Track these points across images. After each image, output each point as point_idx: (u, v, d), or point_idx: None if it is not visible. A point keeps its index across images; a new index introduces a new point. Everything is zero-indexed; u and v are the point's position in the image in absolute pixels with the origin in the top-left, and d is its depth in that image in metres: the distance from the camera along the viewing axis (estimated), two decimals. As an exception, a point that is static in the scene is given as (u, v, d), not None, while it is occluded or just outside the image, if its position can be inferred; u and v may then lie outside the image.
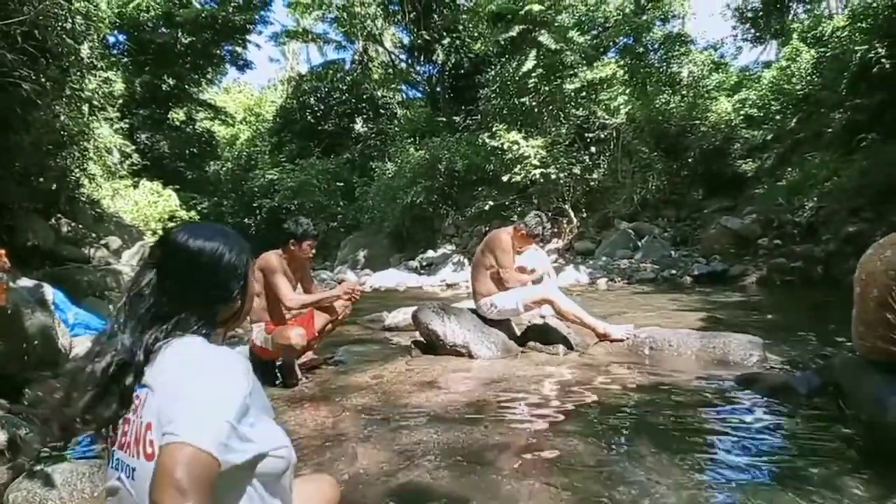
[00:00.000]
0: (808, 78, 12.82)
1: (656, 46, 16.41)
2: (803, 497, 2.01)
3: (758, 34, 20.32)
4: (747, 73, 16.82)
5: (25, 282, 3.60)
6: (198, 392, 0.99)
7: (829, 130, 11.54)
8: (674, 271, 10.90)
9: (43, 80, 5.93)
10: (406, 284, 13.04)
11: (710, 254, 11.42)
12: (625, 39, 16.85)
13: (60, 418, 1.10)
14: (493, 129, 15.34)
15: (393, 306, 6.91)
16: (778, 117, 13.70)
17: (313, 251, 4.08)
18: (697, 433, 2.74)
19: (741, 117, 14.20)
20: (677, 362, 4.09)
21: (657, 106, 14.81)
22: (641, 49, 16.37)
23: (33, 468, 2.16)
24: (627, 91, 14.75)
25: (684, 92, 15.35)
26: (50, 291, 3.80)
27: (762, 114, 14.06)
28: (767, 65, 17.11)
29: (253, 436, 1.02)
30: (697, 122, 14.43)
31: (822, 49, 12.59)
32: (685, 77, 15.78)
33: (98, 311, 4.96)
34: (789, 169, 12.17)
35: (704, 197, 14.10)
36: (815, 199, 10.32)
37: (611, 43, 16.92)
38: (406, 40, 25.00)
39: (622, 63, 15.61)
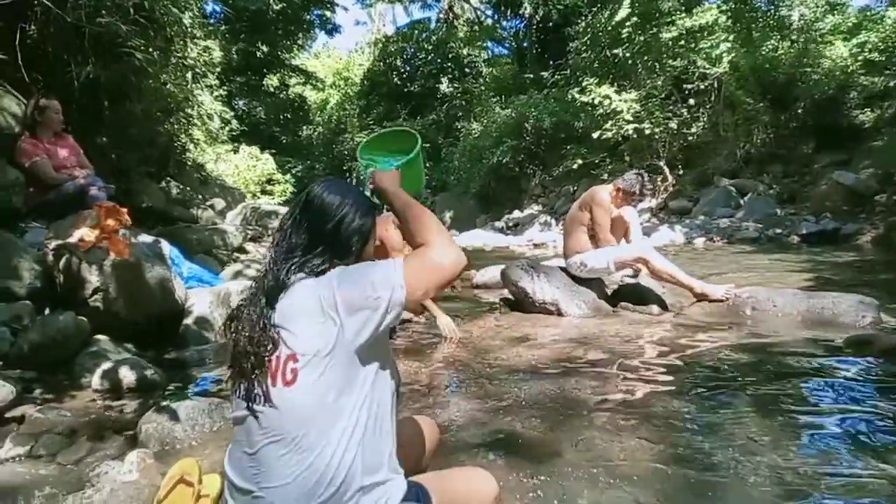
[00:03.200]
0: (943, 15, 11.41)
1: (764, -12, 15.12)
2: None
3: (884, -32, 18.21)
4: (868, 14, 15.14)
5: (145, 238, 3.91)
6: (357, 270, 1.20)
7: (966, 75, 10.28)
8: (779, 230, 10.24)
9: (151, 49, 6.29)
10: (493, 244, 13.04)
11: (821, 211, 10.61)
12: (728, -18, 15.63)
13: (234, 361, 1.22)
14: (584, 84, 14.82)
15: (480, 265, 6.94)
16: (904, 61, 12.33)
17: None
18: (802, 394, 2.61)
19: (859, 63, 12.84)
20: (782, 323, 3.88)
21: (764, 53, 13.71)
22: (746, -9, 15.14)
23: (160, 404, 2.37)
24: (731, 38, 13.69)
25: (794, 37, 14.06)
26: (167, 247, 4.10)
27: (884, 58, 12.64)
28: (894, 2, 15.33)
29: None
30: (809, 69, 13.24)
31: (962, -19, 11.13)
32: (796, 21, 14.43)
33: (208, 266, 5.32)
34: (915, 119, 10.99)
35: (815, 150, 12.99)
36: (945, 151, 9.29)
37: (712, -14, 15.76)
38: (493, -6, 24.45)
39: (725, 8, 14.49)
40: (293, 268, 1.23)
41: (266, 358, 1.14)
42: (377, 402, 1.17)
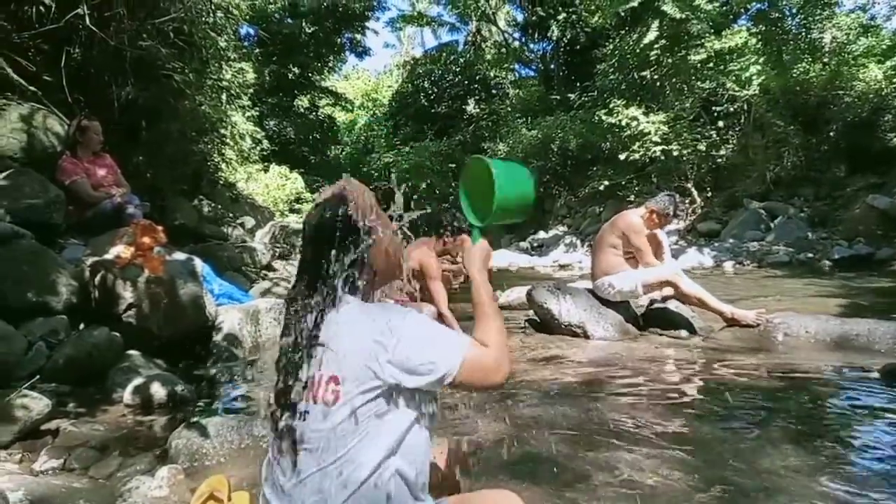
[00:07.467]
0: (981, 37, 11.18)
1: (794, 11, 14.96)
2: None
3: (919, -10, 17.91)
4: (903, 37, 14.95)
5: (178, 255, 4.00)
6: (423, 333, 1.19)
7: None
8: (811, 254, 10.04)
9: (188, 71, 6.49)
10: (517, 264, 13.01)
11: (854, 236, 10.39)
12: (757, 5, 15.51)
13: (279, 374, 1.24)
14: (611, 106, 14.78)
15: (506, 285, 6.94)
16: (941, 84, 12.09)
17: None
18: (834, 423, 2.55)
19: (894, 85, 12.67)
20: (815, 350, 3.80)
21: (795, 76, 13.57)
22: (777, 14, 15.00)
23: (190, 420, 2.41)
24: (761, 60, 13.55)
25: (826, 59, 13.93)
26: (199, 264, 4.18)
27: (921, 81, 12.46)
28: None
29: None
30: (841, 92, 13.07)
31: None
32: (828, 43, 14.29)
33: (238, 283, 5.40)
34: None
35: (847, 174, 12.76)
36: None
37: (742, 9, 15.68)
38: (520, 18, 24.66)
39: (755, 30, 14.42)
40: (336, 293, 1.23)
41: (308, 376, 1.17)
42: (414, 431, 1.19)
